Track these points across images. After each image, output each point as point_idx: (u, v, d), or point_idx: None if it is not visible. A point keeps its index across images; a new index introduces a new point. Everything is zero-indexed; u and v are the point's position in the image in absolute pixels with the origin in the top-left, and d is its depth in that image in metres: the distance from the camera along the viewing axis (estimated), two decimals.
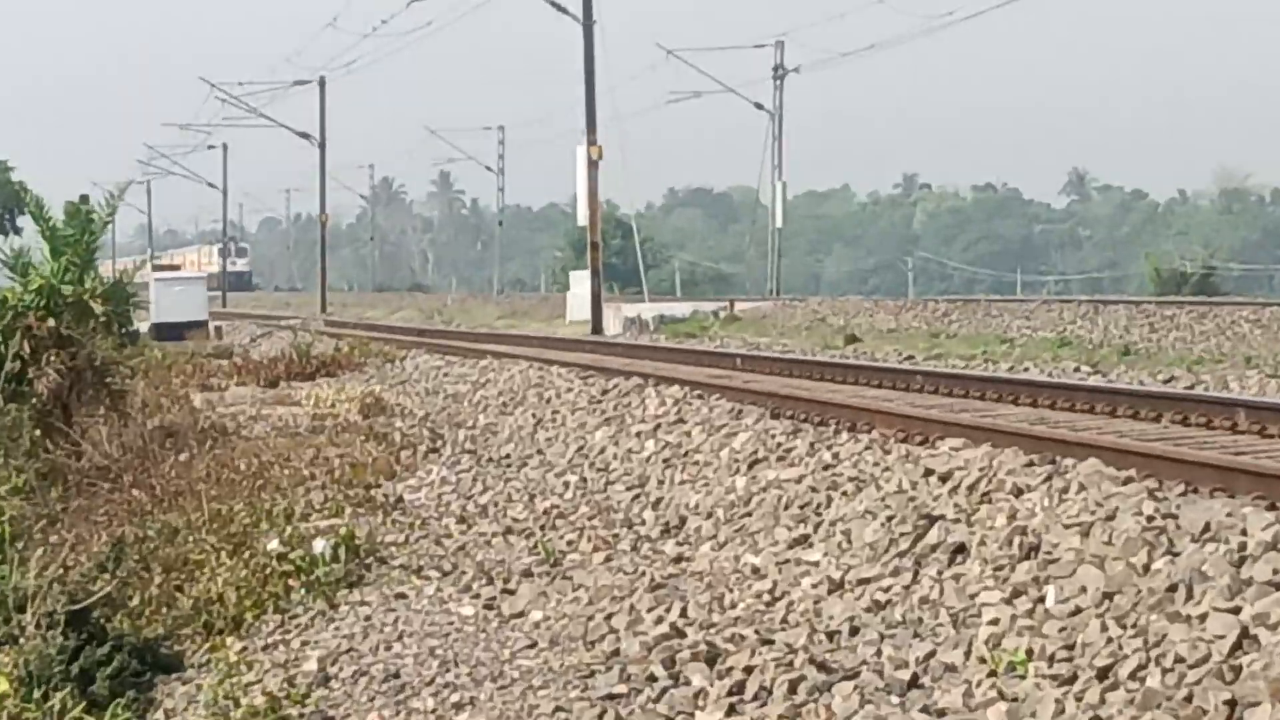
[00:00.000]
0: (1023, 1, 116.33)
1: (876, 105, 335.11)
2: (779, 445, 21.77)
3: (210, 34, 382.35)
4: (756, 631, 15.00)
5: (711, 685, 13.98)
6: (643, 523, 20.87)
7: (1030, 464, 16.95)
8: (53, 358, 32.02)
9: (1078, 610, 12.92)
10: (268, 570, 19.74)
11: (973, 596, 14.11)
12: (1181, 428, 21.45)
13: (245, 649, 17.37)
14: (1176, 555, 13.16)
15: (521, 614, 17.43)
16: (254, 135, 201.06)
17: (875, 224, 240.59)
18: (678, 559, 18.71)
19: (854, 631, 14.38)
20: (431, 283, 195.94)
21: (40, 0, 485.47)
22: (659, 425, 25.58)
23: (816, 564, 16.44)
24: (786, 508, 18.92)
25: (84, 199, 40.55)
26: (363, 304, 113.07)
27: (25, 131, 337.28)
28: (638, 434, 25.57)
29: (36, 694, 14.73)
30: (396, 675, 15.60)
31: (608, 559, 19.44)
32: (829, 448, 20.92)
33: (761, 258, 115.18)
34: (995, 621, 13.38)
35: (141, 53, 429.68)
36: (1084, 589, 13.20)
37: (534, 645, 16.17)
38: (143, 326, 62.46)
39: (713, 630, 15.41)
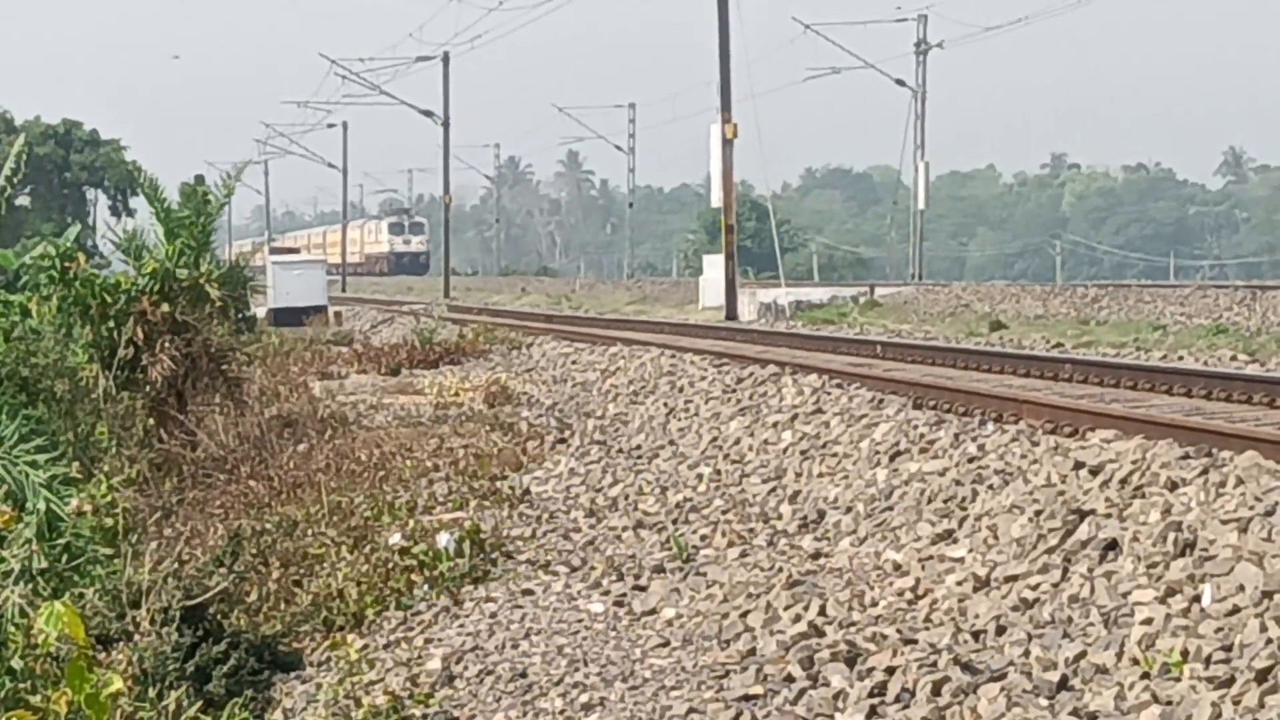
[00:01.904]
0: None
1: (1024, 82, 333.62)
2: (921, 436, 21.71)
3: (331, 8, 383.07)
4: (898, 630, 14.97)
5: (851, 686, 13.96)
6: (779, 517, 20.84)
7: (1185, 457, 16.83)
8: (167, 344, 32.12)
9: (1235, 610, 12.83)
10: (390, 565, 19.79)
11: (1125, 595, 14.03)
12: None
13: (366, 646, 17.42)
14: None
15: (653, 611, 17.43)
16: (375, 113, 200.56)
17: (1021, 206, 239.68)
18: (816, 555, 18.68)
19: (1000, 631, 14.33)
20: (559, 266, 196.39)
21: None
22: (796, 415, 25.52)
23: (961, 560, 16.39)
24: (929, 501, 18.87)
25: (199, 179, 40.95)
26: (487, 289, 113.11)
27: (139, 110, 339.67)
28: (774, 424, 25.53)
29: (151, 692, 14.80)
30: (523, 674, 15.61)
31: (743, 554, 19.41)
32: (974, 439, 20.84)
33: (903, 241, 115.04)
34: (1149, 621, 13.29)
35: (260, 27, 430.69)
36: (1241, 587, 13.10)
37: (666, 644, 16.17)
38: (260, 311, 62.76)
39: (853, 629, 15.38)
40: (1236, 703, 11.57)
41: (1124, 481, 16.56)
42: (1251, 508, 14.60)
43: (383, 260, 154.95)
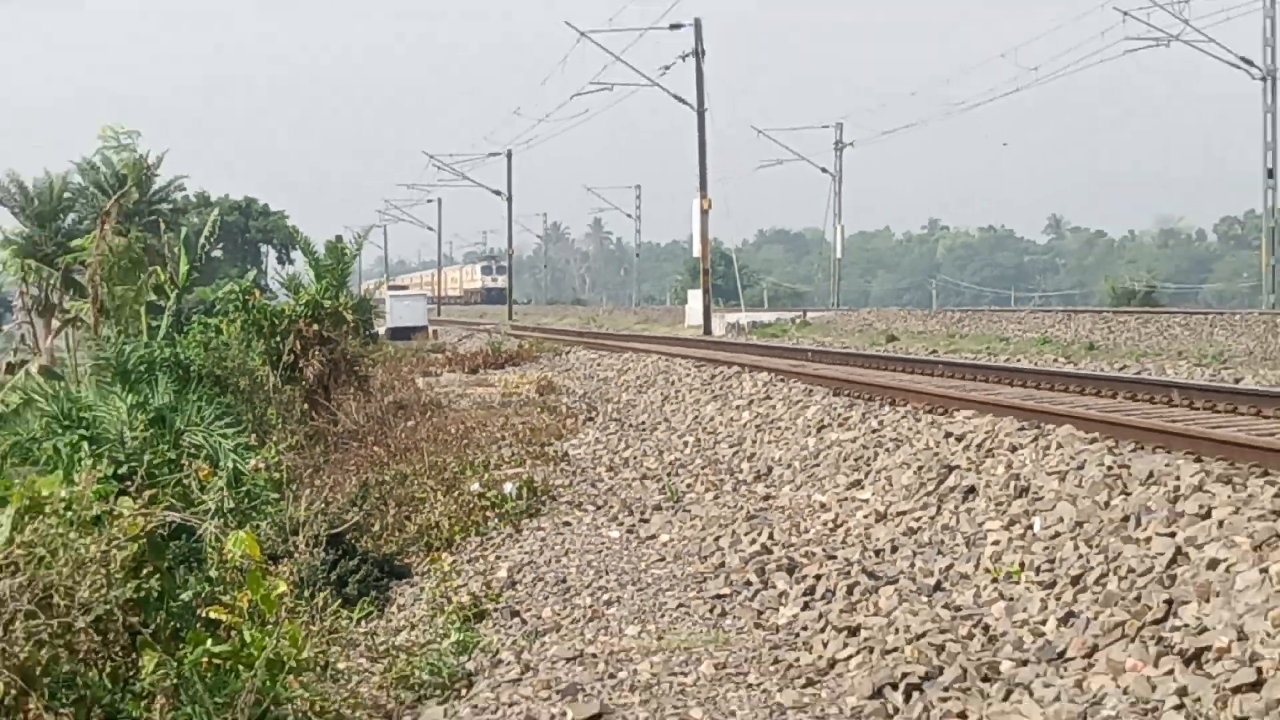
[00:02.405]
0: (1012, 96, 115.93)
1: (909, 168, 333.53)
2: (839, 415, 21.74)
3: (431, 119, 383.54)
4: (823, 549, 15.00)
5: (791, 588, 14.03)
6: (741, 471, 20.88)
7: (1022, 428, 16.86)
8: (316, 352, 32.25)
9: (1056, 535, 12.85)
10: (471, 505, 19.88)
11: (980, 525, 14.05)
12: (1132, 402, 21.28)
13: (455, 561, 17.49)
14: (1129, 494, 13.07)
15: (653, 536, 17.53)
16: (460, 192, 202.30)
17: (908, 255, 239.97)
18: (766, 497, 18.72)
19: (894, 550, 14.36)
20: (587, 298, 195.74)
21: (300, 90, 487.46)
22: (752, 401, 25.57)
23: (867, 501, 16.41)
24: (845, 460, 18.89)
25: (338, 238, 40.85)
26: (538, 314, 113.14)
27: (290, 186, 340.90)
28: (737, 407, 25.58)
29: (306, 594, 14.79)
30: (563, 580, 15.65)
31: (715, 497, 19.49)
32: (877, 417, 20.86)
33: (826, 280, 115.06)
34: (997, 543, 13.33)
35: (383, 132, 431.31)
36: (1061, 519, 13.13)
37: (663, 559, 16.25)
38: (381, 329, 62.76)
39: (792, 549, 15.42)
40: (1058, 599, 11.58)
41: (979, 446, 16.58)
42: (1068, 464, 14.63)
43: (477, 293, 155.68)
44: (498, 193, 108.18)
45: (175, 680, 9.03)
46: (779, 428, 22.53)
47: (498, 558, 17.25)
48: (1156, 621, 10.32)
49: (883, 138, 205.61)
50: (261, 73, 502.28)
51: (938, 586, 12.97)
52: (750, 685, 11.57)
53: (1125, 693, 9.38)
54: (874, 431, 19.81)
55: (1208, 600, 10.21)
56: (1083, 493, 13.56)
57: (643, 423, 27.53)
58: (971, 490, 15.14)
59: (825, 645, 12.23)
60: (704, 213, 59.50)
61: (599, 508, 19.54)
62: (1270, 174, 58.42)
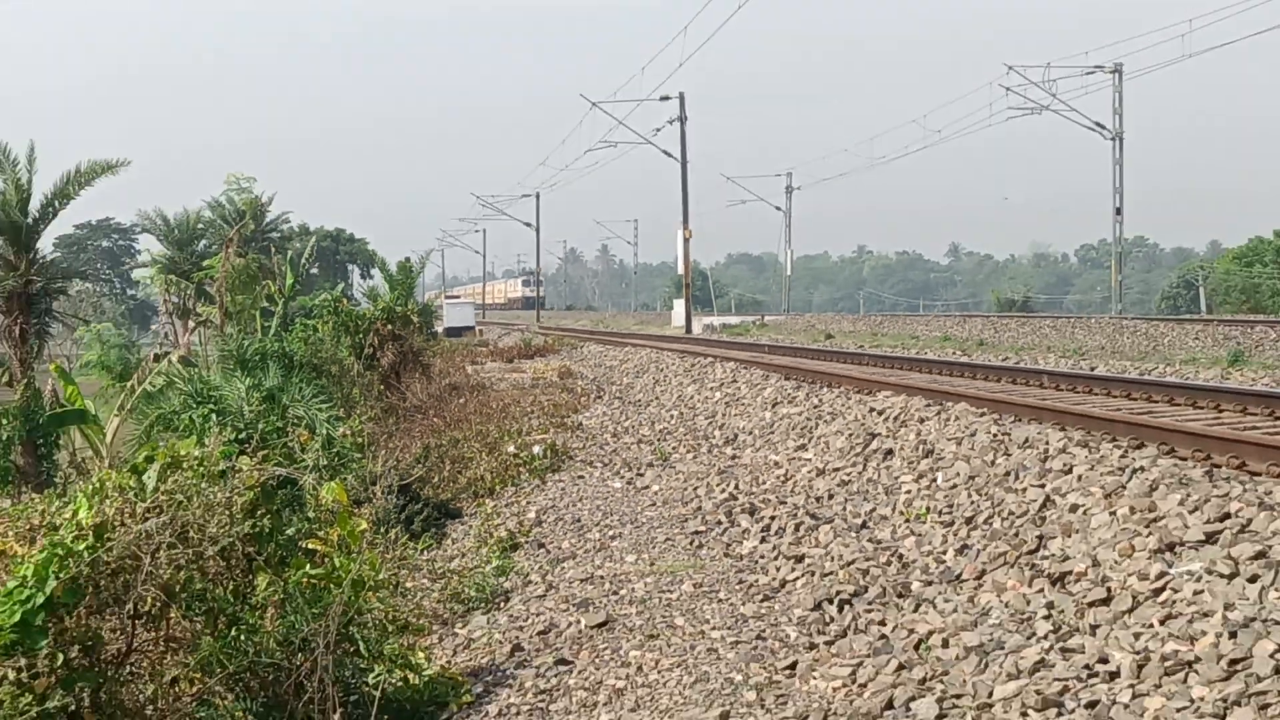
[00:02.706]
0: (923, 152, 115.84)
1: (844, 207, 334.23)
2: (789, 394, 21.71)
3: (478, 166, 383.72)
4: (777, 497, 14.99)
5: (752, 527, 14.00)
6: (714, 437, 20.84)
7: (929, 405, 16.84)
8: (390, 346, 32.28)
9: (954, 486, 12.84)
10: (507, 463, 19.88)
11: (896, 478, 14.03)
12: (1013, 385, 21.27)
13: (495, 506, 17.47)
14: (1010, 455, 13.07)
15: (647, 487, 17.50)
16: (500, 224, 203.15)
17: (841, 273, 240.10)
18: (733, 457, 18.68)
19: (830, 497, 14.34)
20: (597, 305, 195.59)
21: (378, 143, 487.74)
22: (722, 383, 25.53)
23: (810, 460, 16.38)
24: (793, 429, 18.87)
25: (407, 259, 41.00)
26: (558, 317, 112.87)
27: (372, 218, 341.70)
28: (711, 388, 25.53)
29: (381, 530, 14.82)
30: (578, 520, 15.64)
31: (694, 457, 19.45)
32: (817, 396, 20.84)
33: (779, 292, 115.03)
34: (909, 492, 13.30)
35: (439, 175, 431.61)
36: (958, 474, 13.11)
37: (654, 504, 16.22)
38: (439, 329, 62.77)
39: (753, 496, 15.40)
40: (955, 535, 11.58)
41: (896, 418, 16.56)
42: (963, 432, 14.61)
43: (519, 301, 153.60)
44: (528, 225, 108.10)
45: (282, 595, 9.08)
46: (743, 404, 22.51)
47: (528, 503, 17.25)
48: (1030, 552, 10.34)
49: (822, 183, 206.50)
50: (351, 128, 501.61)
51: (864, 525, 12.96)
52: (721, 600, 11.60)
53: (1006, 606, 9.39)
54: (815, 407, 19.79)
55: (1069, 536, 10.22)
56: (974, 454, 13.56)
57: (639, 400, 27.50)
58: (890, 452, 15.13)
59: (778, 570, 12.24)
60: (686, 241, 59.55)
61: (605, 465, 19.52)
62: (1118, 211, 58.64)
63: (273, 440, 15.51)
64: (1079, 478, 11.48)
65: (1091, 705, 7.20)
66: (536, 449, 20.34)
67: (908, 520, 12.54)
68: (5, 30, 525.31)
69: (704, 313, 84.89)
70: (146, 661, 8.50)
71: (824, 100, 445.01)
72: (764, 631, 10.46)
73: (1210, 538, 9.07)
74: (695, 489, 16.61)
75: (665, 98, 59.79)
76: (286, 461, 11.13)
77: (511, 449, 20.70)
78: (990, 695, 7.73)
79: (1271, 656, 7.15)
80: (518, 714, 9.42)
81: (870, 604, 10.48)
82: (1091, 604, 8.82)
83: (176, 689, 8.52)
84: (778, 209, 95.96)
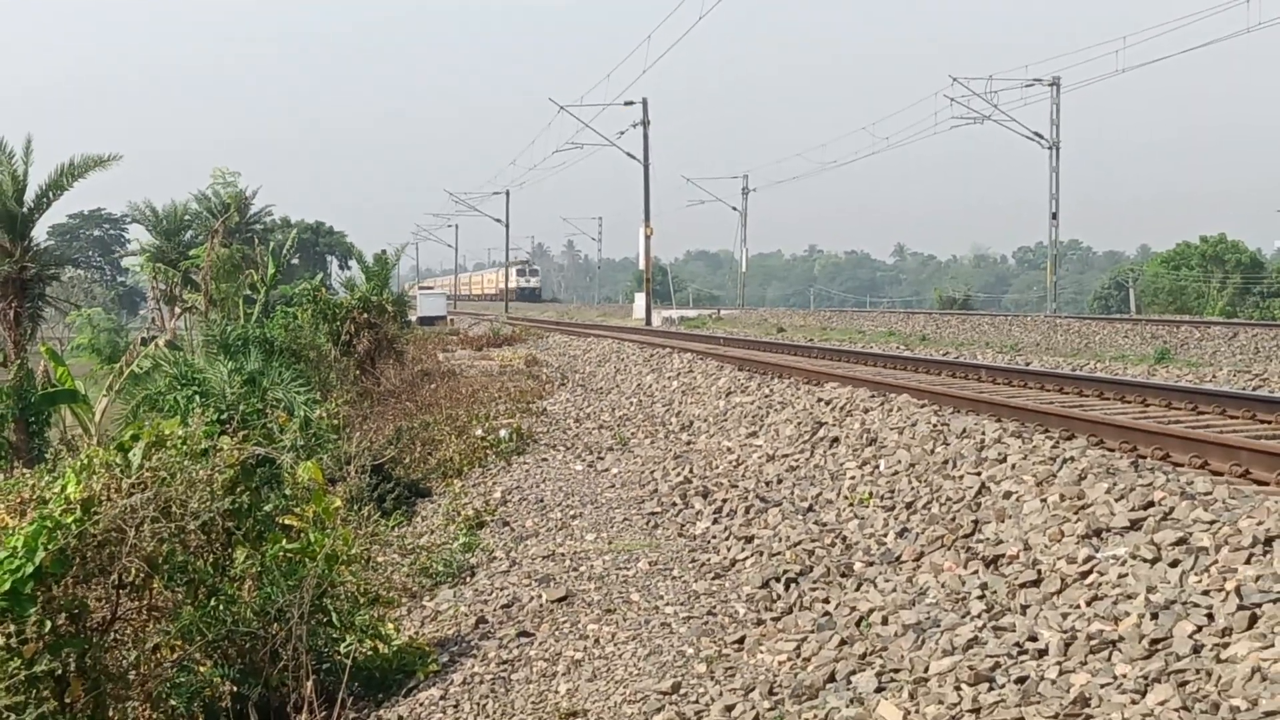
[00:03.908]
0: (874, 158, 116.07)
1: (796, 207, 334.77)
2: (742, 384, 21.72)
3: (451, 164, 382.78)
4: (729, 480, 14.99)
5: (705, 509, 14.00)
6: (670, 424, 20.83)
7: (873, 396, 16.87)
8: (365, 334, 32.26)
9: (896, 473, 12.87)
10: (475, 445, 19.83)
11: (841, 465, 14.05)
12: (952, 378, 21.37)
13: (463, 486, 17.42)
14: (948, 444, 13.11)
15: (607, 469, 17.46)
16: (472, 220, 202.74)
17: (794, 271, 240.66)
18: (689, 443, 18.68)
19: (779, 481, 14.34)
20: (562, 298, 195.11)
21: (357, 140, 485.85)
22: (679, 373, 25.52)
23: (760, 446, 16.39)
24: (745, 417, 18.87)
25: (383, 252, 40.90)
26: (526, 309, 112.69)
27: (349, 211, 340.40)
28: (668, 377, 25.53)
29: (355, 507, 14.79)
30: (541, 500, 15.61)
31: (651, 442, 19.44)
32: (769, 386, 20.86)
33: (734, 287, 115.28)
34: (853, 478, 13.32)
35: (414, 172, 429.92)
36: (900, 461, 13.14)
37: (613, 486, 16.20)
38: (413, 318, 62.62)
39: (706, 480, 15.40)
40: (896, 518, 11.60)
41: (842, 408, 16.58)
42: (905, 422, 14.64)
43: (512, 293, 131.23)
44: (499, 221, 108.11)
45: (259, 568, 9.09)
46: (698, 393, 22.51)
47: (494, 484, 17.20)
48: (966, 536, 10.38)
49: (777, 185, 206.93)
50: (331, 127, 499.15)
51: (810, 508, 12.98)
52: (674, 577, 11.60)
53: (943, 586, 9.43)
54: (766, 397, 19.81)
55: (1003, 521, 10.27)
56: (915, 443, 13.60)
57: (600, 388, 27.47)
58: (835, 440, 15.16)
59: (729, 549, 12.25)
60: (647, 238, 59.74)
61: (568, 448, 19.48)
62: (1054, 216, 58.95)
63: (253, 421, 15.46)
64: (1013, 466, 11.53)
65: (1021, 680, 7.24)
66: (503, 432, 20.29)
67: (851, 505, 12.56)
68: (7, 28, 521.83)
69: (663, 306, 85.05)
70: (130, 629, 8.47)
71: (779, 107, 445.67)
72: (715, 608, 10.47)
73: (1135, 524, 9.13)
74: (652, 472, 16.60)
75: (629, 103, 59.86)
76: (265, 441, 11.09)
77: (479, 432, 20.65)
78: (926, 670, 7.76)
79: (1190, 637, 7.21)
80: (481, 682, 9.41)
81: (815, 583, 10.50)
82: (1022, 585, 8.87)
83: (158, 655, 8.50)
84: (734, 209, 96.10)
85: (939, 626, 8.50)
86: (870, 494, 12.63)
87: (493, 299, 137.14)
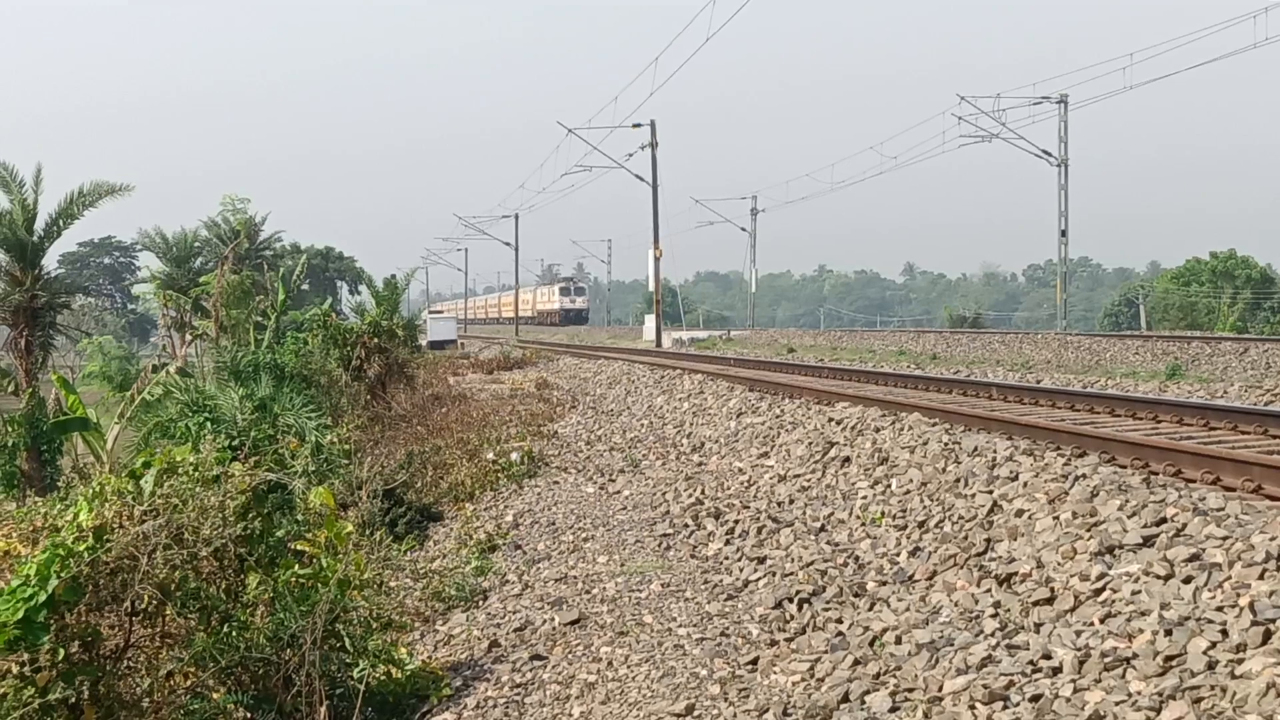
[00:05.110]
0: (883, 177, 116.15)
1: (804, 228, 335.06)
2: (753, 405, 21.72)
3: (460, 188, 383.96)
4: (741, 501, 14.99)
5: (717, 529, 13.99)
6: (681, 445, 20.84)
7: (884, 415, 16.86)
8: (376, 358, 32.26)
9: (908, 492, 12.86)
10: (487, 469, 19.86)
11: (853, 484, 14.04)
12: (963, 396, 21.32)
13: (474, 509, 17.44)
14: (960, 463, 13.10)
15: (619, 492, 17.46)
16: (482, 244, 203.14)
17: (804, 290, 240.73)
18: (700, 464, 18.68)
19: (791, 502, 14.34)
20: None
21: (368, 167, 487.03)
22: (690, 394, 25.54)
23: (772, 466, 16.39)
24: (756, 437, 18.87)
25: (393, 277, 41.03)
26: (536, 332, 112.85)
27: (359, 236, 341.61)
28: (679, 398, 25.55)
29: (367, 532, 14.80)
30: (553, 523, 15.63)
31: (663, 463, 19.45)
32: (779, 406, 20.86)
33: (744, 308, 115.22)
34: (865, 497, 13.32)
35: (424, 197, 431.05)
36: (911, 480, 13.13)
37: (625, 508, 16.20)
38: (423, 342, 62.70)
39: (718, 500, 15.40)
40: (908, 538, 11.59)
41: (853, 428, 16.58)
42: (916, 441, 14.63)
43: (554, 314, 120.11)
44: (508, 244, 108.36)
45: (272, 594, 9.08)
46: (709, 414, 22.52)
47: (505, 507, 17.24)
48: (979, 554, 10.36)
49: (786, 205, 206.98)
50: (339, 152, 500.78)
51: (822, 528, 12.97)
52: (687, 599, 11.59)
53: (956, 605, 9.41)
54: (777, 417, 19.81)
55: (1015, 539, 10.25)
56: (926, 462, 13.59)
57: (611, 410, 27.49)
58: (847, 459, 15.15)
59: (741, 570, 12.24)
60: (657, 260, 59.70)
61: (579, 471, 19.51)
62: (1063, 233, 58.86)
63: (264, 447, 15.51)
64: (1024, 484, 11.52)
65: (1035, 699, 7.23)
66: (514, 456, 20.31)
67: (863, 524, 12.55)
68: (14, 58, 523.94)
69: (674, 328, 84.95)
70: (143, 656, 8.48)
71: (787, 128, 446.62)
72: (728, 629, 10.47)
73: (1147, 541, 9.11)
74: (664, 494, 16.60)
75: (637, 125, 59.85)
76: (277, 467, 11.11)
77: (490, 456, 20.67)
78: (940, 689, 7.75)
79: (1204, 653, 7.19)
80: (495, 706, 9.41)
81: (828, 603, 10.49)
82: (1036, 603, 8.85)
83: (171, 682, 8.51)
84: (743, 230, 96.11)
85: (953, 645, 8.48)
86: (882, 513, 12.62)
87: (533, 323, 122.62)
